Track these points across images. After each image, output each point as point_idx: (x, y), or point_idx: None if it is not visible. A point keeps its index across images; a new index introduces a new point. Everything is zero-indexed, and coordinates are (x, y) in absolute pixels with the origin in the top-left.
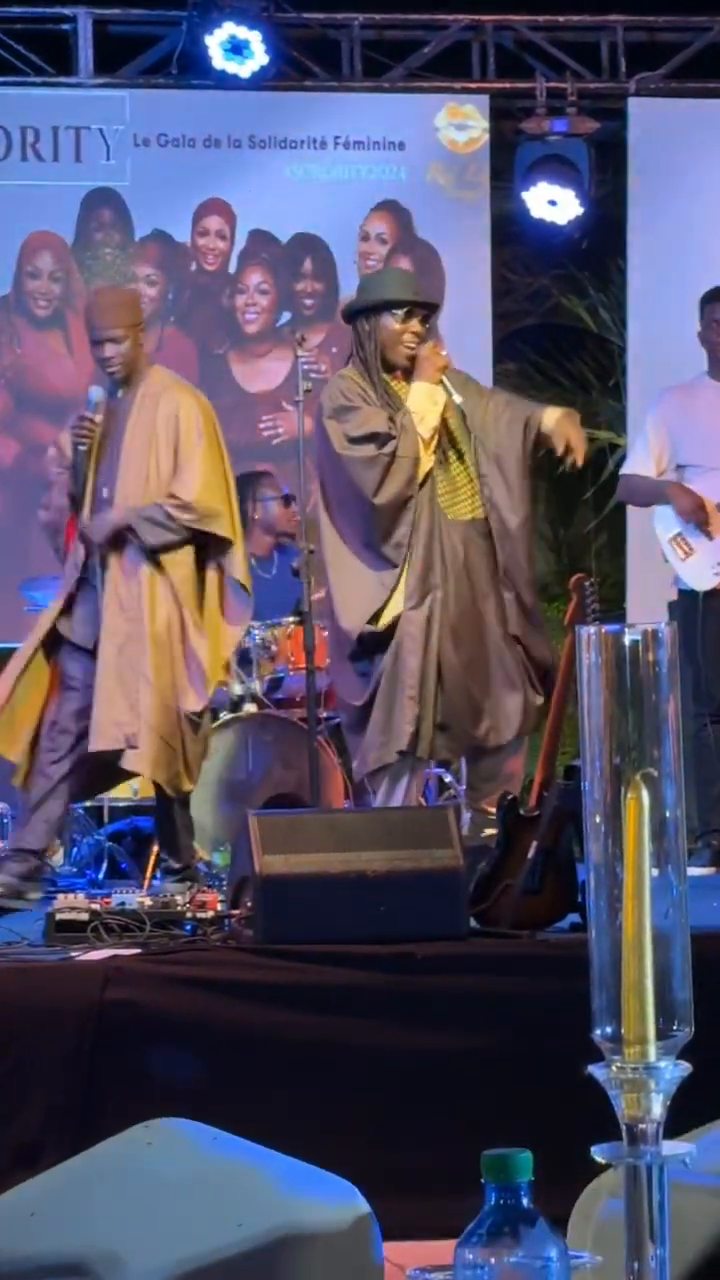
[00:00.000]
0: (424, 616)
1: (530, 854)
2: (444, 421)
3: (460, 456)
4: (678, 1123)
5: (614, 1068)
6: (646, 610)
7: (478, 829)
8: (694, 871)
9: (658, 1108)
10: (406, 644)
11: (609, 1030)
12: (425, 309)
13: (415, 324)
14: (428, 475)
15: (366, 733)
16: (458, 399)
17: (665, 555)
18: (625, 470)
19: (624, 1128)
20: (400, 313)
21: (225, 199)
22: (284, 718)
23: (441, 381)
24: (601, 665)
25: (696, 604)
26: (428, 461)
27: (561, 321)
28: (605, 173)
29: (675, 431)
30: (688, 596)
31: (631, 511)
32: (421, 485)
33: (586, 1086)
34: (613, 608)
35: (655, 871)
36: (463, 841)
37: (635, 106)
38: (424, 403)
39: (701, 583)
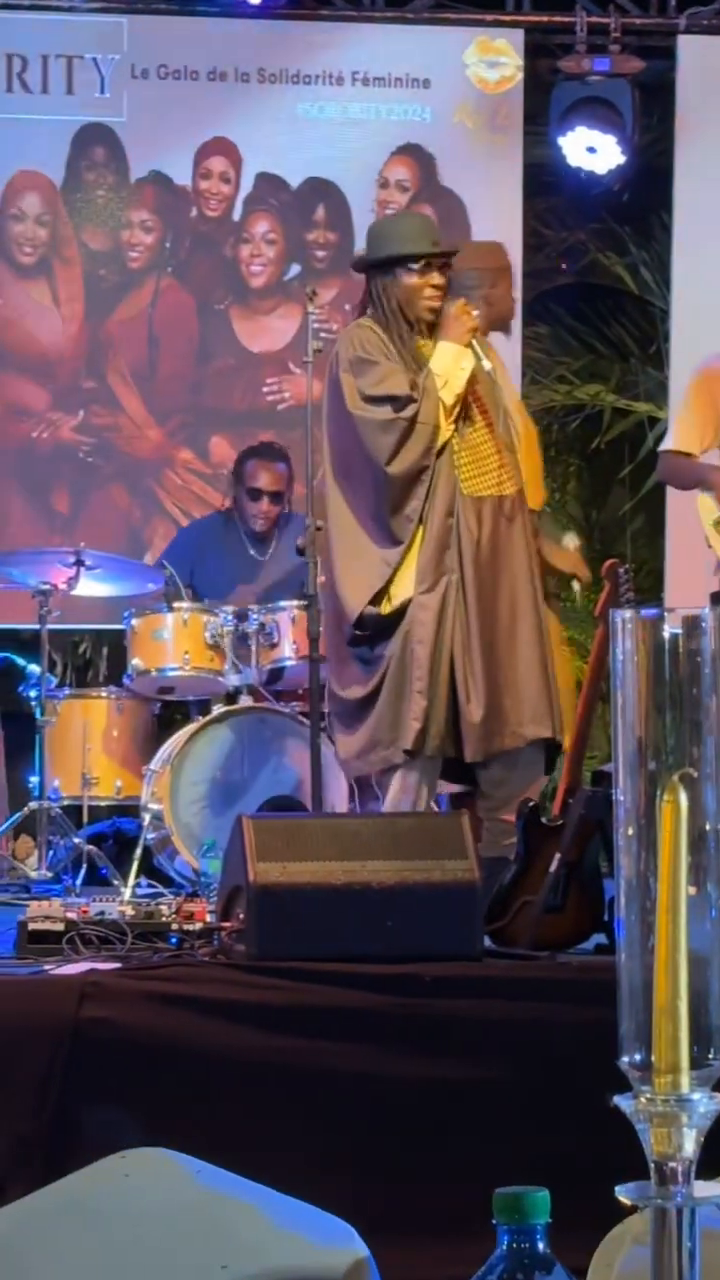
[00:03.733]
0: (437, 602)
1: (552, 867)
2: (471, 388)
3: (490, 426)
4: (713, 1163)
5: (642, 1099)
6: (687, 600)
7: (495, 839)
8: None
9: (690, 1144)
10: (416, 631)
11: (638, 1058)
12: (445, 258)
13: (435, 276)
14: (444, 446)
15: (369, 728)
16: (487, 365)
17: (709, 540)
18: (665, 447)
19: (652, 1166)
20: (418, 265)
21: (230, 138)
22: (284, 712)
23: (471, 345)
24: (637, 655)
25: None
26: (447, 431)
27: (599, 281)
28: (650, 118)
29: None
30: None
31: (672, 492)
32: (439, 456)
33: (611, 1121)
34: (650, 597)
35: (693, 888)
36: (478, 852)
37: (685, 45)
38: (450, 366)
39: None
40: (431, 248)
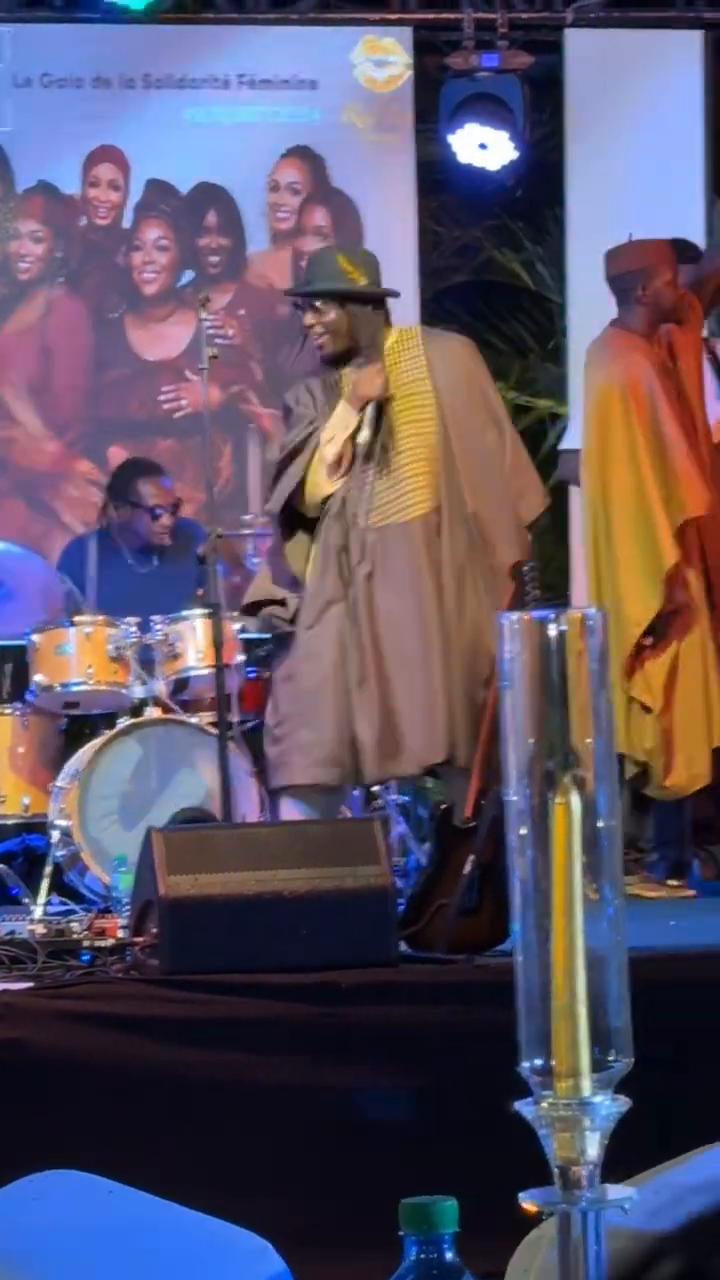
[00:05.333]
0: (331, 630)
1: (466, 870)
2: (376, 423)
3: (418, 437)
4: (620, 1167)
5: (544, 1104)
6: None
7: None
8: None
9: (593, 1148)
10: (307, 665)
11: (538, 1062)
12: (308, 298)
13: (306, 316)
14: (329, 496)
15: (273, 749)
16: (362, 438)
17: None
18: (564, 445)
19: (555, 1171)
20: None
21: (118, 145)
22: (191, 723)
23: (364, 410)
24: (524, 656)
25: None
26: (331, 485)
27: (495, 278)
28: (541, 113)
29: None
30: None
31: (575, 489)
32: (326, 500)
33: (527, 1128)
34: (557, 595)
35: (588, 888)
36: (391, 857)
37: (573, 39)
38: (335, 425)
39: None
40: (298, 285)
